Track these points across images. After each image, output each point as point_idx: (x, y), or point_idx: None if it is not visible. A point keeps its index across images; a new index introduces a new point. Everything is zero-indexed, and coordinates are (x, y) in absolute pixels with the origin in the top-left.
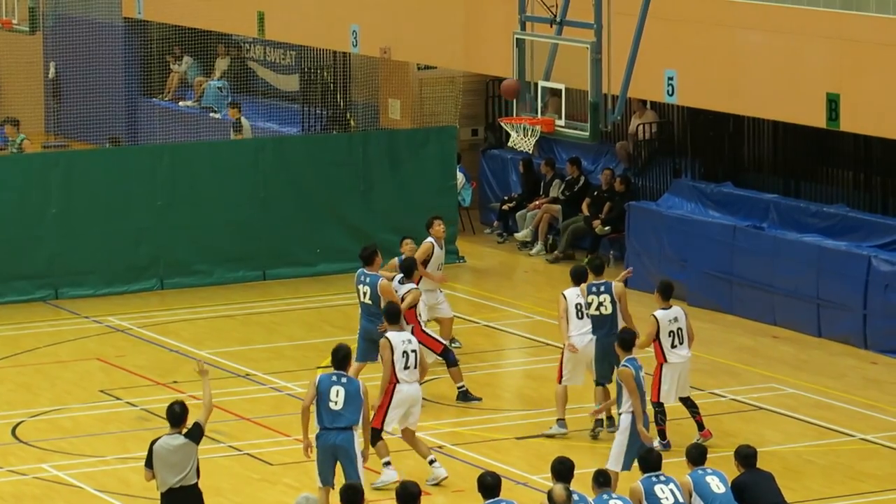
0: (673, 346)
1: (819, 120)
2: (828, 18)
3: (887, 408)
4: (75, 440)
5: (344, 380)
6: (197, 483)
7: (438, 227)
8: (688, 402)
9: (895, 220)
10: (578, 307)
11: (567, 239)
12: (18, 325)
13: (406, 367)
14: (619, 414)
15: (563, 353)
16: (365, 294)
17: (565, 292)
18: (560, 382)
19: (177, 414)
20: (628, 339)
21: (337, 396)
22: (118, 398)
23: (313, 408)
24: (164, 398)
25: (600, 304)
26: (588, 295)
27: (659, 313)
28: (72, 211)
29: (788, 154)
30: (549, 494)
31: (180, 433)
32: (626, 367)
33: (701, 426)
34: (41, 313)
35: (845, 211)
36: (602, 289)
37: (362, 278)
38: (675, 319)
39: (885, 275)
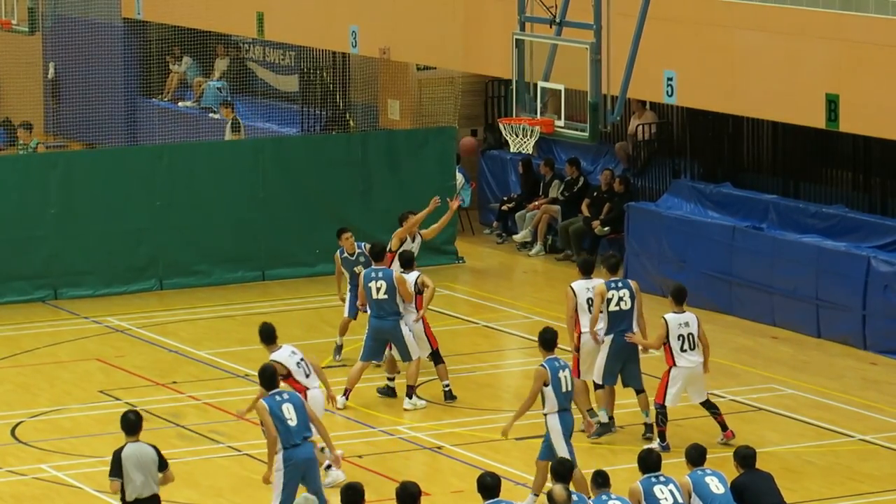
0: (682, 350)
1: (818, 121)
2: (827, 19)
3: (886, 408)
4: (75, 440)
5: (286, 395)
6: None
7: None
8: (707, 405)
9: (894, 220)
10: (590, 301)
11: (573, 240)
12: (18, 325)
13: (307, 376)
14: (545, 415)
15: (577, 350)
16: (379, 289)
17: (573, 285)
18: (578, 377)
19: (132, 422)
20: (549, 339)
21: (290, 413)
22: (117, 398)
23: None
24: (164, 398)
25: (620, 298)
26: (608, 291)
27: (669, 316)
28: (71, 211)
29: (787, 155)
30: (549, 495)
31: (139, 441)
32: (543, 367)
33: (724, 427)
34: (40, 314)
35: (844, 212)
36: (621, 284)
37: (373, 275)
38: (687, 324)
39: (885, 275)
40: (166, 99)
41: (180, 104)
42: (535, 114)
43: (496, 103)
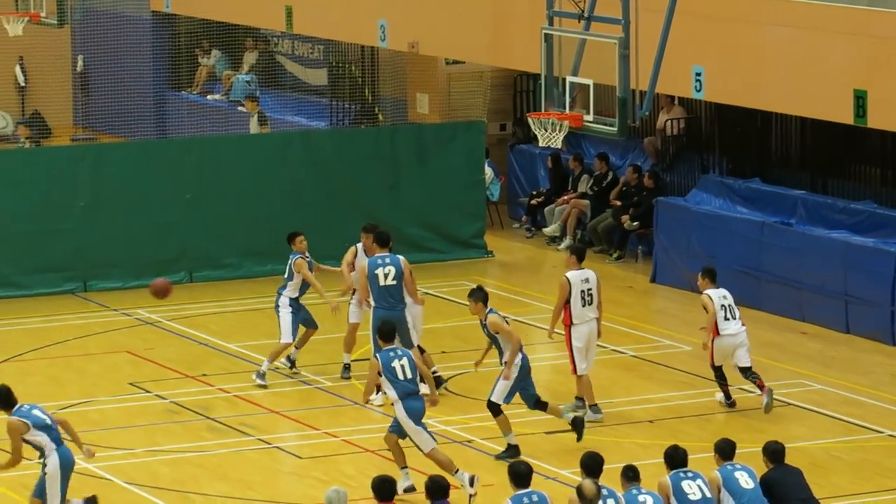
0: (726, 319)
1: (846, 116)
2: (855, 15)
3: None
4: (104, 433)
5: (29, 405)
6: None
7: (365, 239)
8: (747, 372)
9: None
10: (583, 293)
11: (603, 238)
12: (47, 317)
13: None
14: (392, 404)
15: (570, 346)
16: (387, 275)
17: (568, 275)
18: (576, 373)
19: None
20: (385, 331)
21: (42, 415)
22: (147, 391)
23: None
24: (194, 391)
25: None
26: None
27: (712, 293)
28: (100, 204)
29: (816, 150)
30: (579, 489)
31: None
32: (375, 358)
33: (761, 388)
34: (70, 306)
35: (873, 207)
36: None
37: (379, 261)
38: (725, 297)
39: None
40: (195, 92)
41: (209, 97)
42: (564, 108)
43: (525, 97)
